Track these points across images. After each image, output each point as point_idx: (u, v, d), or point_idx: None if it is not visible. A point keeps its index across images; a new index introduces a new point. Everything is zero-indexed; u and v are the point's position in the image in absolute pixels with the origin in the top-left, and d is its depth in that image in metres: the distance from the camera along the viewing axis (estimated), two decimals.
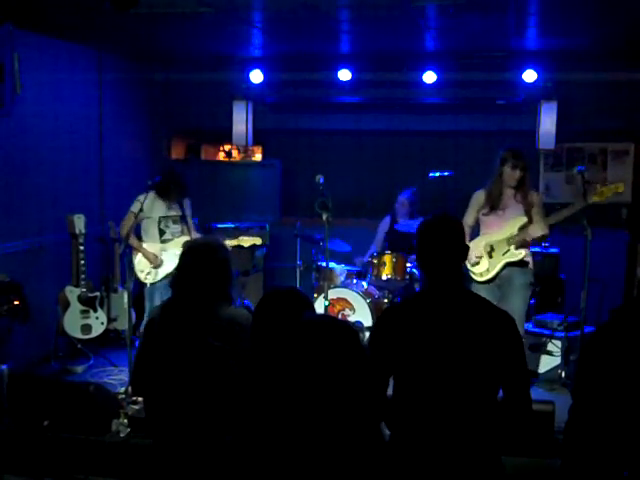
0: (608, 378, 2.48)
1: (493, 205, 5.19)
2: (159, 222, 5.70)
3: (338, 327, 2.17)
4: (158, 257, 5.66)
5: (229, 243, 5.67)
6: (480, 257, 5.18)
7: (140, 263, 5.68)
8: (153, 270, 5.65)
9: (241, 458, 2.27)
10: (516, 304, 5.00)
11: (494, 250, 5.17)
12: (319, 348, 2.07)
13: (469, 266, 5.20)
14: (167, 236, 5.72)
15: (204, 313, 3.01)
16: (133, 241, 5.64)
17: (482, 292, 4.90)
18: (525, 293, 5.17)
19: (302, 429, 2.04)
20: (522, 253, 5.12)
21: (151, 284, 5.68)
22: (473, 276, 5.23)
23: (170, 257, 5.62)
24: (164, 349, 3.00)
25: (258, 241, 5.82)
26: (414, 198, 6.76)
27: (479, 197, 5.29)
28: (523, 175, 5.15)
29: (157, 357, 3.01)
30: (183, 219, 5.78)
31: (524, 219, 5.12)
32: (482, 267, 5.19)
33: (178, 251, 5.53)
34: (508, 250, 5.12)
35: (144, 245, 5.70)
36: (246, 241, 5.73)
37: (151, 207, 5.64)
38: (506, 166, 5.13)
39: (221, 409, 2.83)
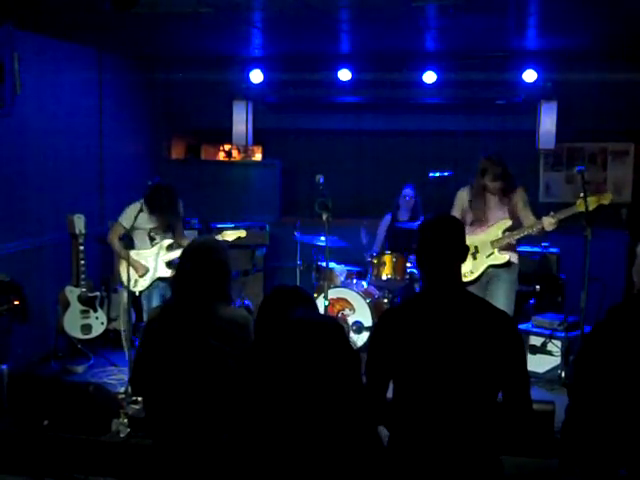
0: (605, 376, 2.48)
1: (477, 215, 5.18)
2: (149, 232, 5.65)
3: (324, 325, 2.16)
4: (144, 266, 5.57)
5: None
6: None
7: (124, 272, 5.53)
8: (139, 278, 5.60)
9: (239, 458, 2.27)
10: (501, 301, 4.98)
11: (478, 252, 5.17)
12: (306, 347, 2.06)
13: None
14: (157, 242, 5.69)
15: (203, 313, 3.01)
16: (120, 250, 5.54)
17: None
18: (510, 290, 5.19)
19: (295, 429, 2.04)
20: (506, 257, 5.15)
21: (140, 292, 5.65)
22: None
23: (157, 262, 5.62)
24: (163, 349, 3.00)
25: (242, 234, 5.75)
26: (415, 192, 6.79)
27: (463, 196, 5.29)
28: (505, 181, 5.14)
29: (156, 357, 3.01)
30: (172, 227, 5.68)
31: (508, 222, 5.15)
32: (466, 268, 5.15)
33: (163, 254, 5.59)
34: (492, 253, 5.15)
35: (133, 252, 5.57)
36: (229, 235, 5.67)
37: (145, 219, 5.56)
38: (486, 178, 5.12)
39: (220, 409, 2.83)
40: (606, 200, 4.87)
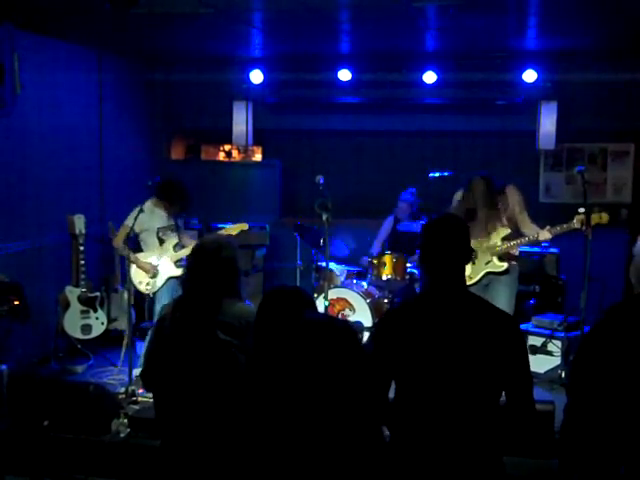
0: (604, 376, 2.48)
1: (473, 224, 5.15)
2: (157, 232, 5.68)
3: (337, 327, 2.17)
4: (154, 266, 5.62)
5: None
6: None
7: (136, 275, 5.61)
8: (151, 280, 5.62)
9: (244, 456, 2.27)
10: (502, 304, 4.96)
11: (477, 257, 5.16)
12: (318, 348, 2.07)
13: None
14: (166, 244, 5.70)
15: (212, 309, 3.02)
16: (127, 252, 5.56)
17: None
18: (511, 293, 5.21)
19: (301, 429, 2.04)
20: (504, 265, 5.16)
21: (154, 293, 5.67)
22: None
23: (165, 263, 5.65)
24: (173, 344, 3.01)
25: (244, 226, 5.79)
26: (413, 199, 6.76)
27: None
28: (491, 204, 5.14)
29: (166, 352, 3.02)
30: (177, 227, 5.76)
31: (507, 230, 5.15)
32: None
33: (171, 254, 5.61)
34: (490, 260, 5.15)
35: (140, 255, 5.65)
36: (231, 229, 5.71)
37: (149, 219, 5.60)
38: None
39: (230, 405, 2.83)
40: (604, 220, 4.90)
